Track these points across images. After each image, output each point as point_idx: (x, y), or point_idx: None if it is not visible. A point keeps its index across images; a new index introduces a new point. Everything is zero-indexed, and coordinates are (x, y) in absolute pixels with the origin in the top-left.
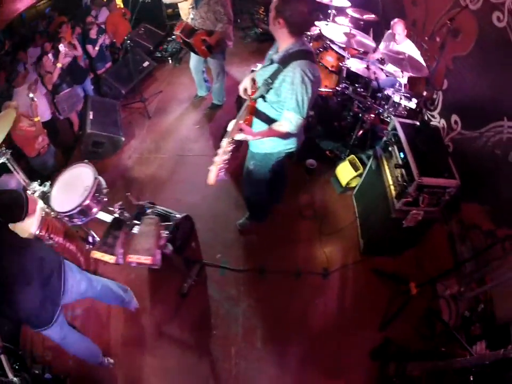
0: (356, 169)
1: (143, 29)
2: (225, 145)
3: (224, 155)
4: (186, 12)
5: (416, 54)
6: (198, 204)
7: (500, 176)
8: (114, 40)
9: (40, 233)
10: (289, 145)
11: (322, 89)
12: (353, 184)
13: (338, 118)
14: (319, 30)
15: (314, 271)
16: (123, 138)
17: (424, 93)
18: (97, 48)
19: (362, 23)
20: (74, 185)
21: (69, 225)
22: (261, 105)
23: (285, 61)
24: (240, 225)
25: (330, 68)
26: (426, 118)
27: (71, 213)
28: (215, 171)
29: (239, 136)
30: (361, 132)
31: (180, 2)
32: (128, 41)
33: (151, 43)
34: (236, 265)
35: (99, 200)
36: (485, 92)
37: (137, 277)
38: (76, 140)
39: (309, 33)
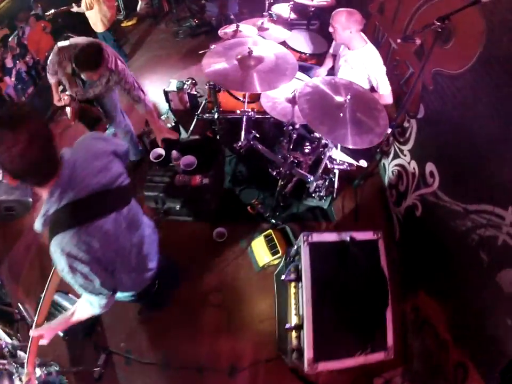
0: (273, 252)
1: None
2: None
3: None
4: (94, 20)
5: (378, 80)
6: None
7: (478, 291)
8: (38, 58)
9: None
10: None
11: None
12: (274, 263)
13: (273, 147)
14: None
15: (219, 368)
16: (30, 200)
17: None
18: (13, 79)
19: (312, 9)
20: None
21: None
22: None
23: (47, 230)
24: (139, 313)
25: (242, 99)
26: (393, 151)
27: None
28: None
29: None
30: (291, 183)
31: (87, 11)
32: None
33: None
34: (140, 355)
35: None
36: (483, 145)
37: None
38: None
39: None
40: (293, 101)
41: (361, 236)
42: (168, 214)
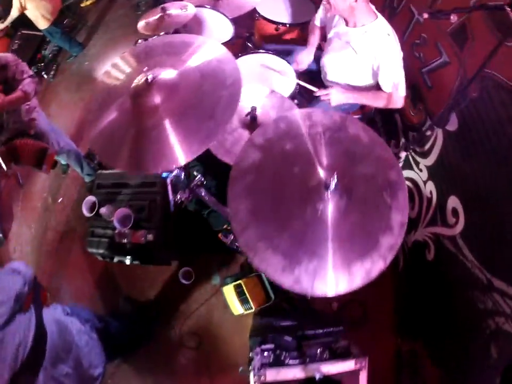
0: (246, 307)
1: (17, 41)
2: None
3: None
4: (33, 18)
5: (393, 75)
6: None
7: (477, 380)
8: None
9: None
10: None
11: None
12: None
13: None
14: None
15: None
16: (1, 235)
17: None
18: None
19: None
20: None
21: None
22: None
23: None
24: None
25: None
26: (405, 157)
27: None
28: None
29: None
30: None
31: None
32: None
33: (27, 57)
34: None
35: None
36: None
37: None
38: None
39: None
40: (251, 125)
41: (337, 367)
42: (123, 262)
